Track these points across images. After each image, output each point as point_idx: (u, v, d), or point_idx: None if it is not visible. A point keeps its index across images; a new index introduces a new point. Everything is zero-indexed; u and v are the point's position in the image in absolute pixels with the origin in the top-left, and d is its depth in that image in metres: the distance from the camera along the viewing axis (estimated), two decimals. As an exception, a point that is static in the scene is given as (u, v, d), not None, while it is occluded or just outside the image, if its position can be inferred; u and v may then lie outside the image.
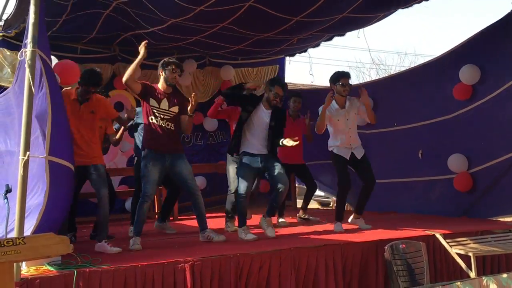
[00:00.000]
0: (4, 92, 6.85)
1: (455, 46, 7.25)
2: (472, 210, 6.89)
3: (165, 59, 5.46)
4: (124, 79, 5.17)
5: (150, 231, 6.24)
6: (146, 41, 5.30)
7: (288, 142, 5.45)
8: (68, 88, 5.38)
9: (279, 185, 5.49)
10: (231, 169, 6.14)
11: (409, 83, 7.92)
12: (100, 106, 5.33)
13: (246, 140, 5.69)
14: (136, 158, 6.49)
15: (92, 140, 5.24)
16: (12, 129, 5.54)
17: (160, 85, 5.43)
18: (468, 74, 6.92)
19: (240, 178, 5.63)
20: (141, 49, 5.19)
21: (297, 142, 5.46)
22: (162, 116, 5.32)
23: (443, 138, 7.34)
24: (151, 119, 5.31)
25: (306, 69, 17.68)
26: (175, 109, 5.39)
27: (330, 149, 6.19)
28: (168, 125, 5.33)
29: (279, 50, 8.92)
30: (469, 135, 7.01)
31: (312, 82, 11.46)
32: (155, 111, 5.30)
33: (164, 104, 5.34)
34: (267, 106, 5.73)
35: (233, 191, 6.07)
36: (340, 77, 6.09)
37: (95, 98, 5.31)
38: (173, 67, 5.35)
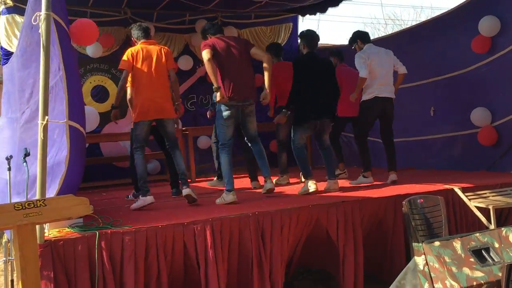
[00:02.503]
0: (10, 60, 6.86)
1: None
2: (496, 164, 6.79)
3: None
4: None
5: (167, 193, 6.31)
6: None
7: None
8: None
9: None
10: None
11: (423, 37, 7.72)
12: None
13: None
14: None
15: None
16: (13, 94, 5.50)
17: None
18: (487, 26, 6.69)
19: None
20: None
21: None
22: None
23: (461, 92, 7.20)
24: None
25: (321, 26, 17.41)
26: None
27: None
28: None
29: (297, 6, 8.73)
30: (489, 89, 6.86)
31: None
32: None
33: None
34: None
35: None
36: None
37: None
38: None
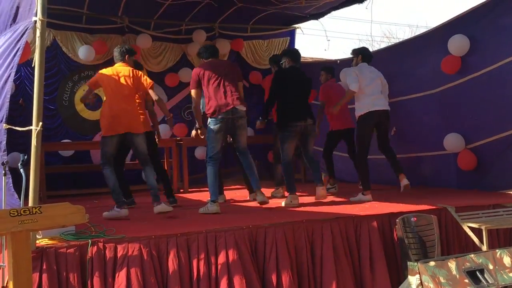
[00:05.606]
0: None
1: (449, 19, 6.93)
2: (479, 185, 6.74)
3: None
4: None
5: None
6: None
7: None
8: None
9: None
10: None
11: (396, 56, 7.70)
12: None
13: None
14: None
15: None
16: None
17: None
18: (456, 45, 6.56)
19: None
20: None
21: None
22: None
23: (429, 113, 7.11)
24: None
25: (314, 42, 17.52)
26: None
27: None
28: None
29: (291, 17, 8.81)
30: (460, 110, 6.76)
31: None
32: None
33: None
34: None
35: None
36: None
37: None
38: None
